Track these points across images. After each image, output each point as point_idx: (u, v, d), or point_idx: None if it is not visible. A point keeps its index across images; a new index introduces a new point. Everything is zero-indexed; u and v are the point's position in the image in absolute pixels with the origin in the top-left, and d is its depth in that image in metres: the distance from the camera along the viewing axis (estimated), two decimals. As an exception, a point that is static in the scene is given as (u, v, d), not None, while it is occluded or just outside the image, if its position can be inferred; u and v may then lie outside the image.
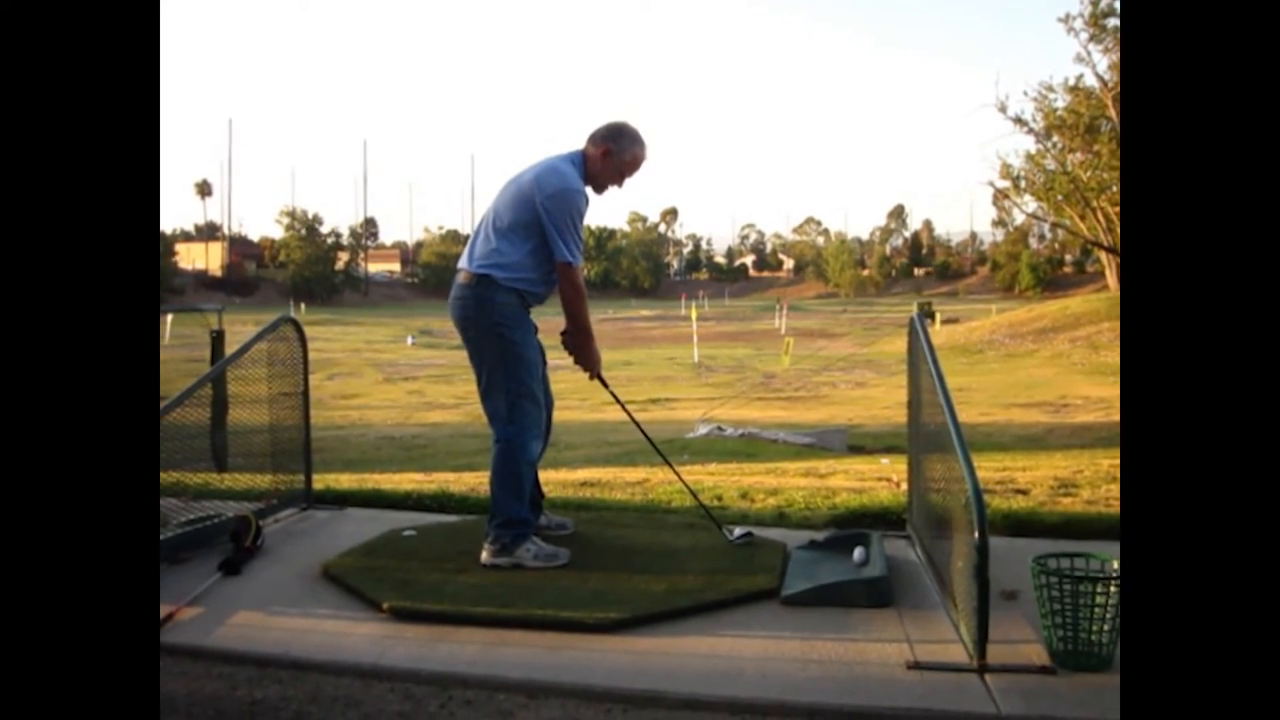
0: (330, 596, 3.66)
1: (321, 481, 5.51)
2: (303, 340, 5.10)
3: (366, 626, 3.36)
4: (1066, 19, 39.36)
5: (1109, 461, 7.50)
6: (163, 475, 4.43)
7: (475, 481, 6.23)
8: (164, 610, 3.40)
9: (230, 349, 6.66)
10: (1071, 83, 41.45)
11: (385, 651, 3.13)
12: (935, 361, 3.62)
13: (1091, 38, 38.53)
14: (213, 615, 3.47)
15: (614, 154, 4.19)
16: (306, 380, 5.12)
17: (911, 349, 4.24)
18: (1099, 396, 20.06)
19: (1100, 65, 38.91)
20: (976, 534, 2.85)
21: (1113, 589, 2.84)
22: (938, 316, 45.96)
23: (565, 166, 4.17)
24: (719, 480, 6.24)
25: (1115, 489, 5.81)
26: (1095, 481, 6.11)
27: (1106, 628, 2.85)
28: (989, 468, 7.32)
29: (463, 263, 4.25)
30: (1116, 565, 2.99)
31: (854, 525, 4.58)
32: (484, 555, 4.00)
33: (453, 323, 4.35)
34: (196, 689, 2.89)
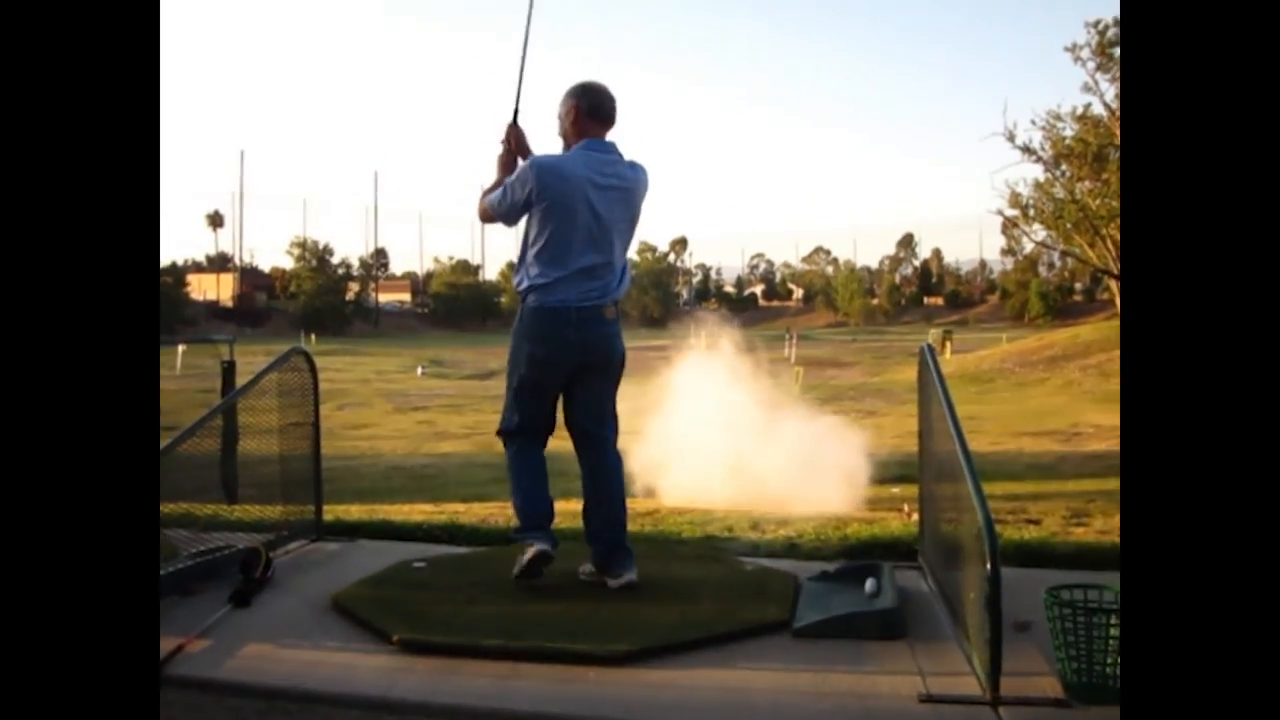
0: (340, 628, 3.65)
1: (332, 512, 5.51)
2: (313, 371, 5.11)
3: (376, 659, 3.35)
4: (1073, 48, 39.44)
5: (1122, 490, 7.45)
6: (173, 506, 4.44)
7: (485, 512, 6.22)
8: (174, 642, 3.39)
9: (241, 379, 6.71)
10: (1079, 111, 41.45)
11: (395, 684, 3.12)
12: (945, 391, 3.62)
13: (1099, 67, 38.56)
14: (222, 647, 3.46)
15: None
16: (317, 411, 5.13)
17: (922, 378, 4.24)
18: (1111, 424, 19.94)
19: (1108, 94, 38.90)
20: (989, 565, 2.84)
21: (1127, 620, 2.82)
22: (949, 346, 45.84)
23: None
24: (728, 511, 6.21)
25: (1128, 519, 5.77)
26: (1108, 510, 6.08)
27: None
28: (1000, 496, 7.29)
29: (591, 293, 4.02)
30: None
31: (865, 556, 4.56)
32: (627, 577, 4.01)
33: (590, 357, 4.11)
34: (206, 722, 2.88)
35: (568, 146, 4.15)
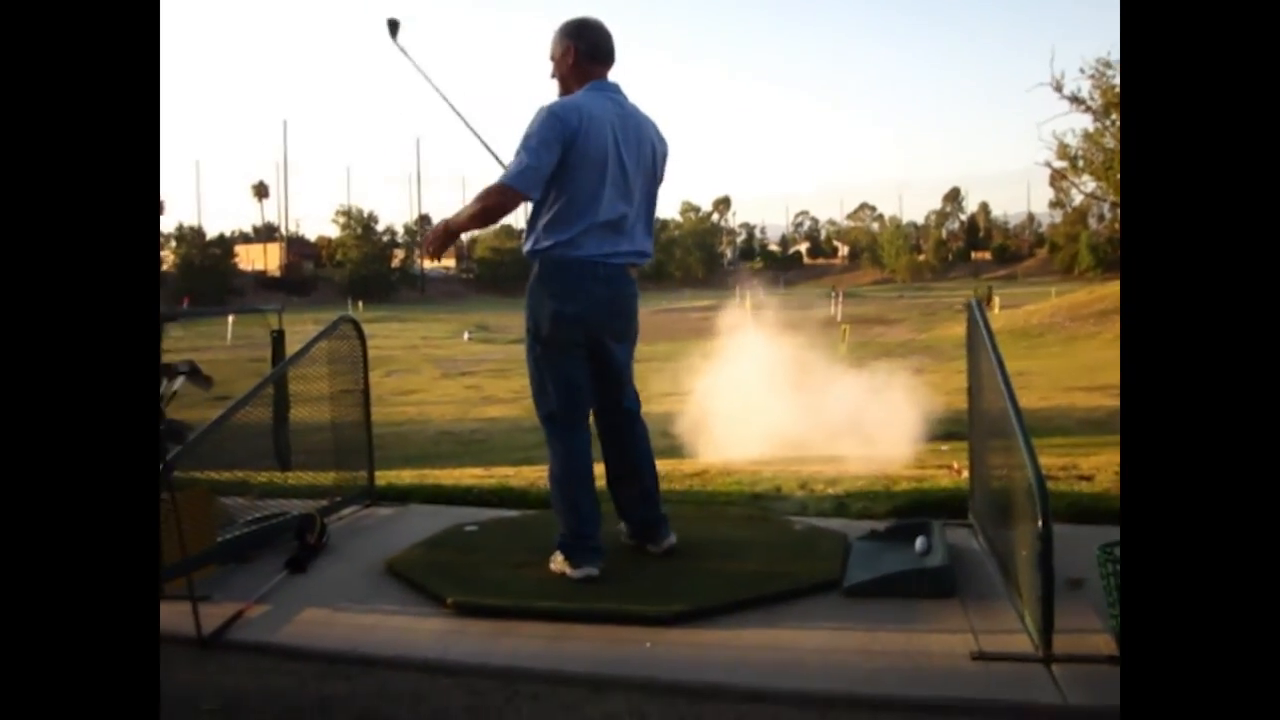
0: (394, 592, 3.71)
1: (383, 478, 5.57)
2: (362, 339, 5.16)
3: (431, 622, 3.40)
4: (1123, -7, 38.64)
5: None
6: (228, 474, 4.52)
7: (535, 476, 6.26)
8: (233, 608, 3.47)
9: (290, 348, 6.77)
10: (1130, 58, 40.66)
11: (450, 647, 3.17)
12: (995, 347, 3.58)
13: (1150, 11, 37.76)
14: (280, 612, 3.53)
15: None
16: (366, 378, 5.18)
17: (970, 335, 4.20)
18: (1164, 378, 19.68)
19: (1159, 39, 38.08)
20: (1040, 522, 2.82)
21: (1182, 576, 2.80)
22: (996, 301, 45.40)
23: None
24: (777, 470, 6.21)
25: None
26: (1161, 466, 6.00)
27: (1176, 615, 2.81)
28: (1052, 453, 7.23)
29: (618, 248, 3.79)
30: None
31: (915, 514, 4.55)
32: (668, 542, 3.96)
33: (617, 321, 3.89)
34: (266, 685, 2.95)
35: (567, 91, 3.84)
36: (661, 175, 3.98)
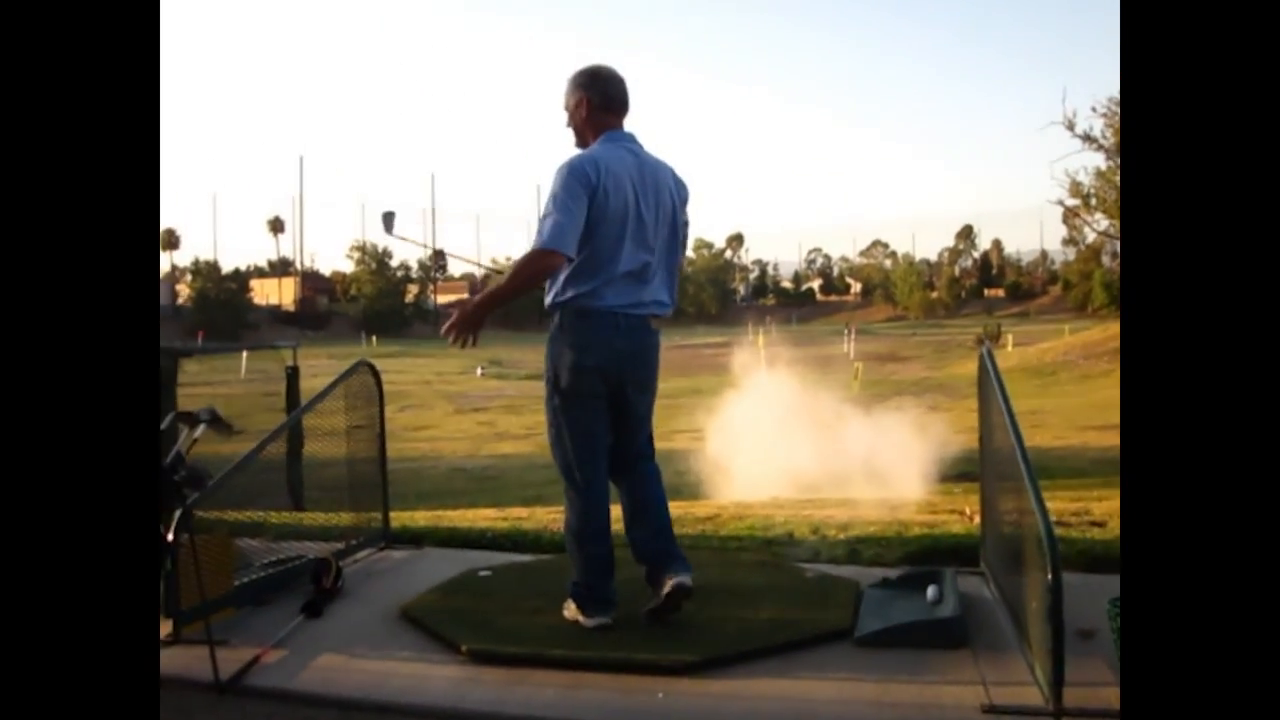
0: (410, 638, 3.74)
1: (397, 518, 5.62)
2: (379, 383, 5.21)
3: (446, 669, 3.43)
4: (1135, 33, 38.88)
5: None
6: (243, 514, 4.57)
7: (548, 519, 6.29)
8: (251, 653, 3.51)
9: (305, 383, 6.84)
10: (1141, 97, 40.86)
11: (465, 695, 3.20)
12: (1005, 397, 3.61)
13: (1161, 52, 38.00)
14: (297, 658, 3.56)
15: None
16: (383, 423, 5.23)
17: (981, 382, 4.23)
18: (1178, 418, 19.64)
19: (1170, 80, 38.28)
20: (1050, 575, 2.84)
21: (1191, 631, 2.82)
22: (1009, 338, 45.37)
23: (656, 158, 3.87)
24: (789, 514, 6.23)
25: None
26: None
27: (1186, 670, 2.83)
28: (1064, 498, 7.24)
29: (640, 298, 3.76)
30: (1195, 606, 2.96)
31: (927, 561, 4.57)
32: (681, 578, 3.71)
33: (638, 371, 3.84)
34: (284, 732, 2.98)
35: (583, 142, 3.83)
36: (684, 219, 3.96)
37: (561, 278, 3.70)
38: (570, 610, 3.82)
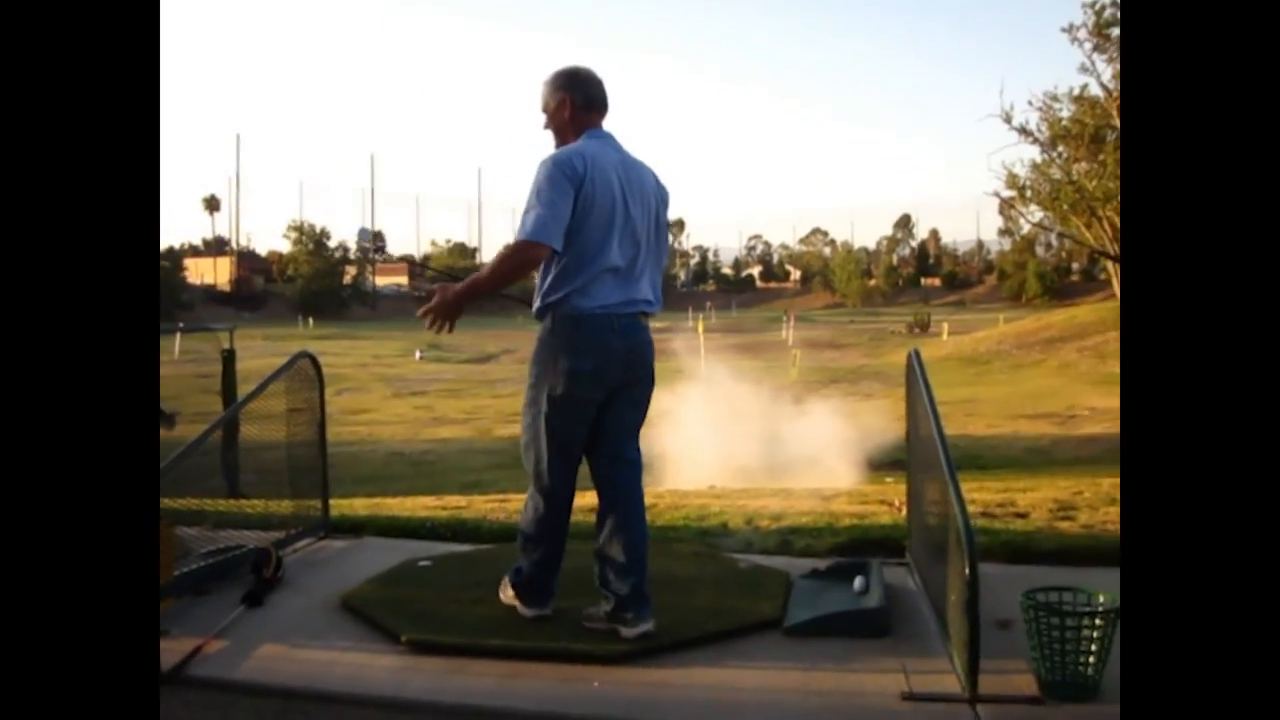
0: (350, 628, 3.81)
1: (336, 505, 5.63)
2: (319, 373, 5.23)
3: (386, 659, 3.50)
4: (1070, 29, 39.45)
5: (1110, 481, 7.61)
6: (181, 502, 4.57)
7: (487, 508, 6.38)
8: (192, 643, 3.55)
9: (241, 366, 6.79)
10: (1076, 92, 41.55)
11: (405, 683, 3.28)
12: (932, 401, 3.76)
13: (1095, 48, 38.59)
14: (238, 648, 3.61)
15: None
16: (323, 412, 5.25)
17: (909, 382, 4.37)
18: (1106, 407, 20.17)
19: (1104, 75, 38.95)
20: (967, 570, 2.98)
21: (1099, 623, 2.99)
22: (945, 327, 46.07)
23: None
24: (725, 504, 6.37)
25: (1113, 512, 5.94)
26: (1094, 504, 6.23)
27: (1093, 659, 2.99)
28: (991, 488, 7.46)
29: (630, 296, 3.68)
30: (1103, 599, 3.12)
31: (856, 552, 4.72)
32: (644, 627, 3.62)
33: (636, 370, 3.75)
34: (226, 722, 3.04)
35: (563, 142, 3.76)
36: (665, 222, 3.91)
37: (550, 278, 3.61)
38: (508, 594, 3.89)
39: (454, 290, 3.63)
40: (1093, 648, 2.98)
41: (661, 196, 3.85)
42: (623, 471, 3.79)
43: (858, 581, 4.02)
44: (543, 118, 3.84)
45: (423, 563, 4.60)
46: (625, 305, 3.66)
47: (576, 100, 3.75)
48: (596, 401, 3.67)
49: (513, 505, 6.15)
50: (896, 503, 6.00)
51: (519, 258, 3.52)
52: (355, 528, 5.46)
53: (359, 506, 6.53)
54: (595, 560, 3.75)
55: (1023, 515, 5.88)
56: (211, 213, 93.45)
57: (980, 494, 6.80)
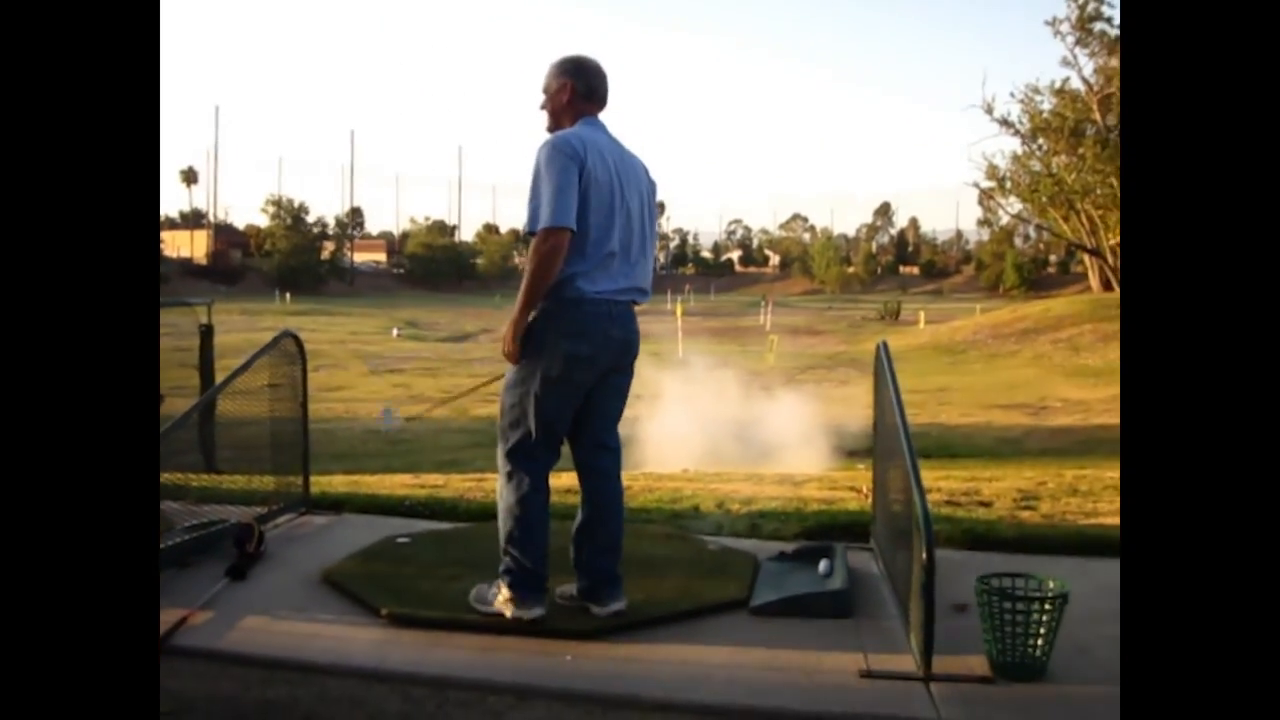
0: (332, 602, 3.93)
1: (314, 482, 5.71)
2: (302, 353, 5.33)
3: (367, 631, 3.63)
4: (1054, 22, 39.92)
5: (1073, 473, 7.82)
6: (165, 477, 4.67)
7: (464, 486, 6.51)
8: (178, 614, 3.66)
9: (219, 340, 6.83)
10: (1058, 85, 41.94)
11: (385, 655, 3.41)
12: (897, 392, 3.90)
13: (1078, 41, 39.09)
14: (223, 619, 3.73)
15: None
16: (305, 391, 5.36)
17: (876, 372, 4.51)
18: (1078, 399, 20.48)
19: (1086, 69, 39.44)
20: (924, 554, 3.12)
21: (1048, 608, 3.15)
22: (922, 315, 46.37)
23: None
24: (697, 488, 6.51)
25: (1073, 502, 6.13)
26: (1056, 494, 6.42)
27: (1042, 642, 3.15)
28: (959, 477, 7.64)
29: (631, 283, 3.73)
30: (1053, 585, 3.28)
31: (823, 537, 4.87)
32: (616, 605, 3.74)
33: (625, 358, 3.81)
34: (212, 690, 3.16)
35: (557, 125, 3.77)
36: (654, 212, 3.94)
37: None
38: (500, 600, 3.72)
39: (513, 319, 3.59)
40: (1041, 631, 3.15)
41: (651, 187, 3.90)
42: (604, 459, 3.86)
43: (823, 565, 4.16)
44: (541, 98, 3.86)
45: (401, 539, 4.72)
46: (623, 292, 3.70)
47: (578, 88, 3.76)
48: (587, 385, 3.70)
49: (489, 484, 6.27)
50: (863, 489, 6.16)
51: (545, 248, 3.47)
52: (335, 505, 5.57)
53: (338, 484, 6.64)
54: (572, 543, 3.83)
55: (986, 504, 6.06)
56: (189, 185, 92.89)
57: (947, 482, 6.98)
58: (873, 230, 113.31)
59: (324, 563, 4.32)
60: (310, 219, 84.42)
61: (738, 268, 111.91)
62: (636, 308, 3.82)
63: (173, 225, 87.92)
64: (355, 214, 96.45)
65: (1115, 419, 15.26)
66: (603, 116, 3.82)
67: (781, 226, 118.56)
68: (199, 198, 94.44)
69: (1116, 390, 16.94)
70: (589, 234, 3.55)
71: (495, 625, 3.63)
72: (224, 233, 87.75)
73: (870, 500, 5.15)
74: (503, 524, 3.74)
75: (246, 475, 5.21)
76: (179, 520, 4.66)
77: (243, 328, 28.33)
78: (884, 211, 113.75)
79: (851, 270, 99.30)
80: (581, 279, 3.57)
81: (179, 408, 4.70)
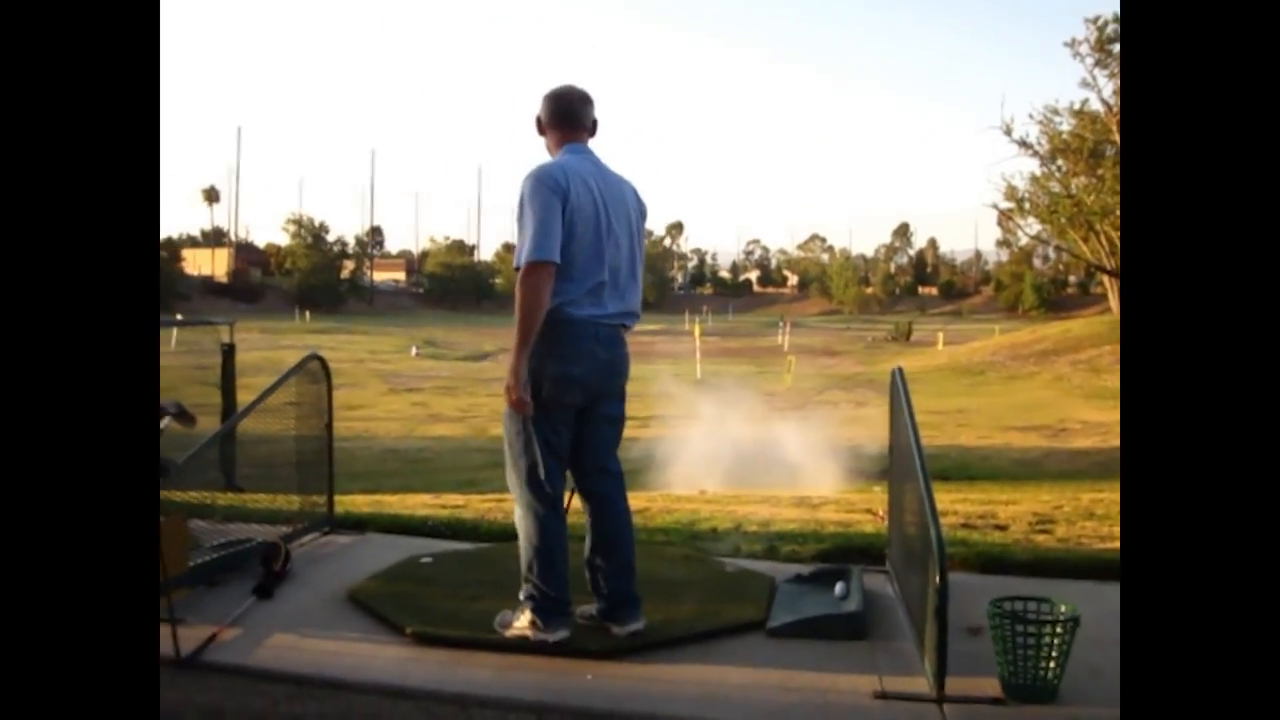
0: (357, 620, 4.02)
1: (337, 501, 5.78)
2: (327, 375, 5.44)
3: (391, 649, 3.72)
4: (1073, 43, 39.84)
5: (1089, 496, 7.84)
6: (188, 495, 4.77)
7: (485, 507, 6.59)
8: (207, 631, 3.76)
9: (240, 359, 6.91)
10: (1077, 107, 41.90)
11: (409, 673, 3.49)
12: (912, 417, 3.97)
13: (1097, 63, 38.98)
14: (251, 636, 3.82)
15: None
16: (330, 413, 5.45)
17: (892, 397, 4.57)
18: (1098, 421, 20.37)
19: (1105, 90, 39.33)
20: (938, 578, 3.19)
21: (1059, 631, 3.20)
22: (941, 336, 46.31)
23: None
24: (715, 510, 6.58)
25: (1089, 526, 6.16)
26: (1072, 518, 6.45)
27: (1053, 665, 3.21)
28: (974, 500, 7.67)
29: (619, 308, 3.79)
30: (1064, 609, 3.34)
31: (839, 559, 4.92)
32: (634, 625, 3.83)
33: (615, 381, 3.89)
34: (242, 704, 3.25)
35: (549, 151, 3.90)
36: (643, 236, 3.98)
37: None
38: (522, 623, 3.77)
39: (511, 367, 3.60)
40: (1053, 654, 3.20)
41: (640, 210, 3.96)
42: (607, 483, 3.94)
43: (839, 587, 4.22)
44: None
45: (425, 559, 4.80)
46: (610, 317, 3.76)
47: (546, 117, 3.88)
48: (578, 407, 3.77)
49: (508, 505, 6.33)
50: (879, 512, 6.21)
51: (532, 282, 3.53)
52: (359, 524, 5.66)
53: (360, 503, 6.73)
54: (586, 568, 3.88)
55: (1002, 528, 6.09)
56: (210, 204, 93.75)
57: (963, 505, 7.02)
58: (891, 251, 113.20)
59: (349, 582, 4.41)
60: (330, 238, 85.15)
61: (756, 288, 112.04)
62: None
63: (194, 244, 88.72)
64: (375, 233, 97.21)
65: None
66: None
67: (800, 246, 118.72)
68: (220, 216, 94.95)
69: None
70: (575, 263, 3.62)
71: (516, 645, 3.70)
72: (244, 251, 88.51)
73: (886, 523, 5.20)
74: (523, 552, 3.80)
75: (270, 494, 5.31)
76: (206, 539, 4.76)
77: (263, 345, 28.52)
78: (902, 232, 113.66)
79: (870, 291, 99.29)
80: (570, 306, 3.64)
81: (200, 426, 4.78)
